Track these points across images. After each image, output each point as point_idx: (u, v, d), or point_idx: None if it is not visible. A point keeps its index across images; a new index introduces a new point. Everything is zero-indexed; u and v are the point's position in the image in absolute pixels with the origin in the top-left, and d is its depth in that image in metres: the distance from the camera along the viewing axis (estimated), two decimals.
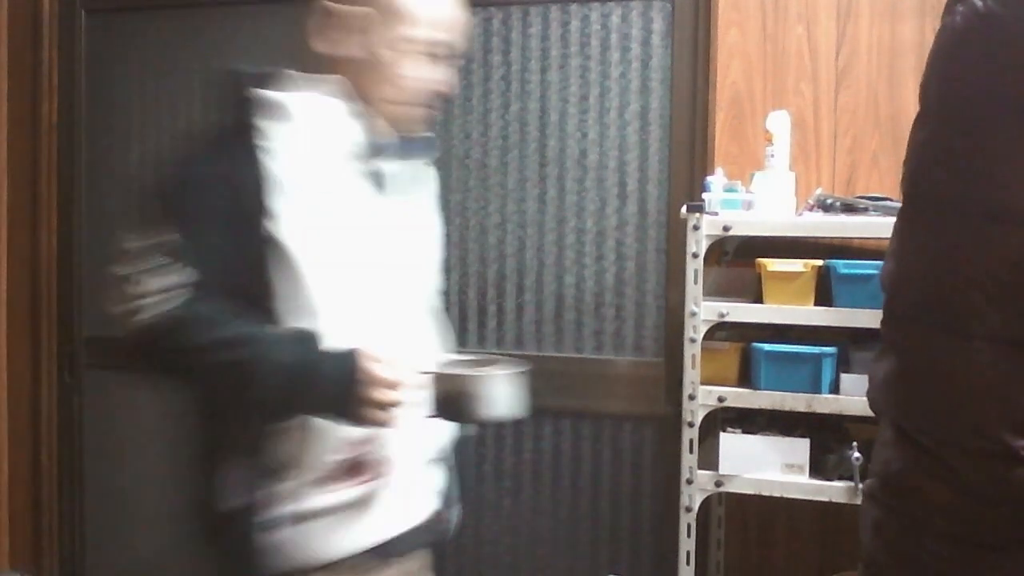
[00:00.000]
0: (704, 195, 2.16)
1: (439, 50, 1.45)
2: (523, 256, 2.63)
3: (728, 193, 2.16)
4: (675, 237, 2.48)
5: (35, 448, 2.93)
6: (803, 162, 2.36)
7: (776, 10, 2.39)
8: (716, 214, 2.09)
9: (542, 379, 2.59)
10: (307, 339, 1.33)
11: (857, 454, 1.97)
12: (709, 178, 2.23)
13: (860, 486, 2.04)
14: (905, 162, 0.86)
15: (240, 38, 2.81)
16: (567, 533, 2.62)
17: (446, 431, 1.57)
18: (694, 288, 2.06)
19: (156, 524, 2.92)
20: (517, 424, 2.63)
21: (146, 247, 1.35)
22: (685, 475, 2.10)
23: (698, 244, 2.06)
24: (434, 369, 1.40)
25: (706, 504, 2.24)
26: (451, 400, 1.37)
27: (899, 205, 0.87)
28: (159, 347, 1.36)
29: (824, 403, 2.01)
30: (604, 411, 2.57)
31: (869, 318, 1.95)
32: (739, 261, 2.31)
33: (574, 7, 2.57)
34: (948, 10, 0.82)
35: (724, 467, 2.08)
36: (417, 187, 1.57)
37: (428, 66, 1.44)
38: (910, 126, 0.85)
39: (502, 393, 1.38)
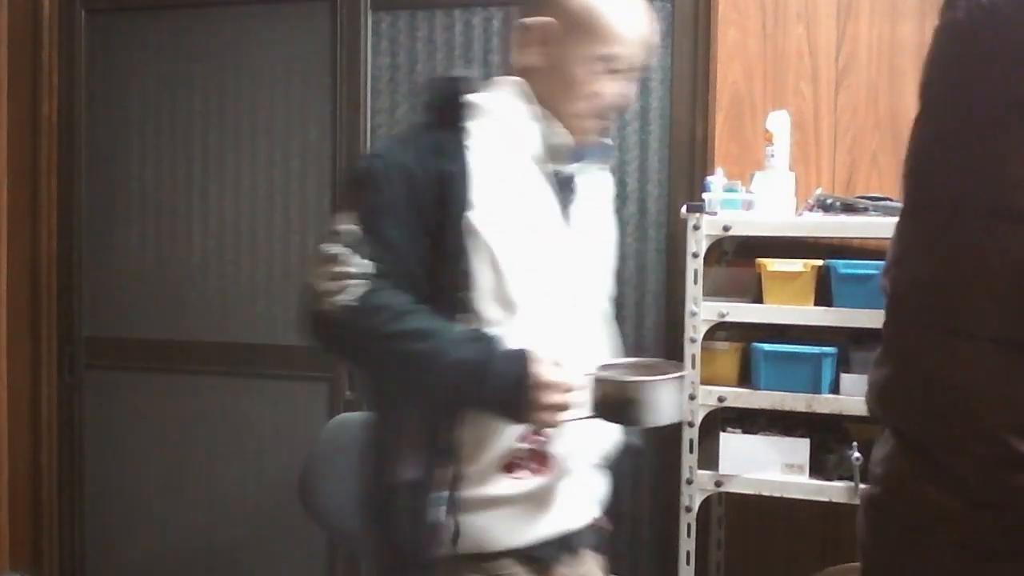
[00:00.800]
0: (704, 195, 2.16)
1: (626, 66, 1.47)
2: None
3: (728, 193, 2.16)
4: (675, 237, 2.48)
5: (35, 448, 2.93)
6: (803, 162, 2.36)
7: (776, 10, 2.39)
8: (716, 214, 2.09)
9: None
10: (482, 339, 1.38)
11: (857, 454, 1.97)
12: (709, 178, 2.23)
13: (860, 487, 2.04)
14: (906, 161, 0.85)
15: (240, 38, 2.81)
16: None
17: (612, 437, 1.56)
18: (694, 288, 2.06)
19: (156, 524, 2.92)
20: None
21: (351, 233, 1.40)
22: (685, 475, 2.10)
23: (698, 244, 2.06)
24: (601, 373, 1.40)
25: (706, 504, 2.24)
26: (617, 405, 1.36)
27: (899, 205, 0.86)
28: (348, 330, 1.38)
29: (824, 403, 2.01)
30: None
31: (869, 318, 1.95)
32: (739, 261, 2.31)
33: None
34: (949, 5, 0.81)
35: (724, 467, 2.08)
36: (594, 192, 1.59)
37: (615, 81, 1.47)
38: (910, 126, 0.85)
39: (666, 399, 1.36)
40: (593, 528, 1.58)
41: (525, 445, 1.43)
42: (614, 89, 1.48)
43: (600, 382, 1.37)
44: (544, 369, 1.35)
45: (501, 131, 1.46)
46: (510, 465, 1.43)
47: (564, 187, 1.52)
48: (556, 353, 1.38)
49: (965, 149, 0.78)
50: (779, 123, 2.20)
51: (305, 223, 2.77)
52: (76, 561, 2.99)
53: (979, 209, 0.76)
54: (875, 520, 0.85)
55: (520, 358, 1.36)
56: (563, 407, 1.36)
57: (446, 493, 1.40)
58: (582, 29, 1.45)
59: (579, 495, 1.52)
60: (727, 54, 2.41)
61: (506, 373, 1.35)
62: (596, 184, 1.60)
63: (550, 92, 1.48)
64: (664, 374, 1.39)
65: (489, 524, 1.43)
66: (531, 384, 1.34)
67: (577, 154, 1.52)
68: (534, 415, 1.36)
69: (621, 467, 1.63)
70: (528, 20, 1.50)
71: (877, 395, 0.87)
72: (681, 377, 1.41)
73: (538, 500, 1.45)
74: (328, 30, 2.73)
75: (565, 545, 1.50)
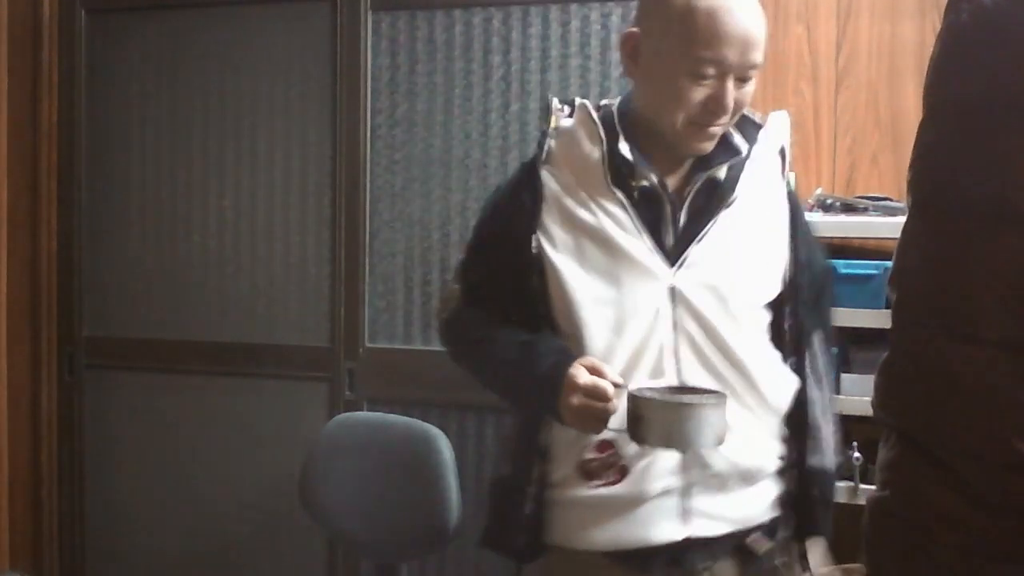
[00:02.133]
0: None
1: (724, 68, 1.41)
2: None
3: None
4: None
5: (35, 448, 2.93)
6: (803, 162, 2.36)
7: (776, 10, 2.38)
8: None
9: None
10: (532, 342, 1.46)
11: (857, 454, 1.97)
12: None
13: (860, 488, 2.04)
14: (912, 164, 0.85)
15: (240, 38, 2.81)
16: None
17: (753, 455, 1.48)
18: None
19: (156, 524, 2.92)
20: None
21: (458, 262, 1.68)
22: None
23: None
24: (634, 389, 1.37)
25: None
26: (636, 422, 1.34)
27: (899, 205, 0.86)
28: (446, 341, 1.67)
29: None
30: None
31: (869, 318, 1.95)
32: None
33: (574, 7, 2.57)
34: (953, 8, 0.80)
35: None
36: (731, 196, 1.50)
37: (713, 85, 1.41)
38: (910, 126, 0.84)
39: (709, 423, 1.33)
40: (727, 546, 1.49)
41: (597, 454, 1.44)
42: (713, 93, 1.41)
43: (632, 398, 1.35)
44: (579, 373, 1.36)
45: (568, 157, 1.50)
46: (589, 472, 1.45)
47: (656, 204, 1.47)
48: (600, 361, 1.39)
49: (969, 152, 0.78)
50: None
51: (305, 223, 2.77)
52: (76, 561, 2.99)
53: (984, 212, 0.76)
54: (881, 524, 0.85)
55: (559, 360, 1.39)
56: (597, 414, 1.36)
57: (534, 491, 1.49)
58: (669, 33, 1.41)
59: (676, 509, 1.45)
60: None
61: (542, 374, 1.40)
62: (735, 186, 1.50)
63: (650, 103, 1.47)
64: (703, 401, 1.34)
65: (572, 525, 1.48)
66: (563, 384, 1.36)
67: (698, 163, 1.48)
68: (568, 416, 1.37)
69: (807, 489, 1.54)
70: (624, 32, 1.50)
71: (883, 399, 0.86)
72: (716, 405, 1.34)
73: (617, 509, 1.44)
74: (328, 30, 2.73)
75: (670, 558, 1.46)
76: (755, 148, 1.52)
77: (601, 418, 1.36)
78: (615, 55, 2.55)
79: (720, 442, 1.34)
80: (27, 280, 2.91)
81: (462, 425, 2.66)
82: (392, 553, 2.28)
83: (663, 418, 1.32)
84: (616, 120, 1.50)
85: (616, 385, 1.36)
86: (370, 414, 2.57)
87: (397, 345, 2.72)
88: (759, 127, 1.55)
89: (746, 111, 1.51)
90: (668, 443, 1.34)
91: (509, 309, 1.53)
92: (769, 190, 1.54)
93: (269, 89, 2.79)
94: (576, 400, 1.35)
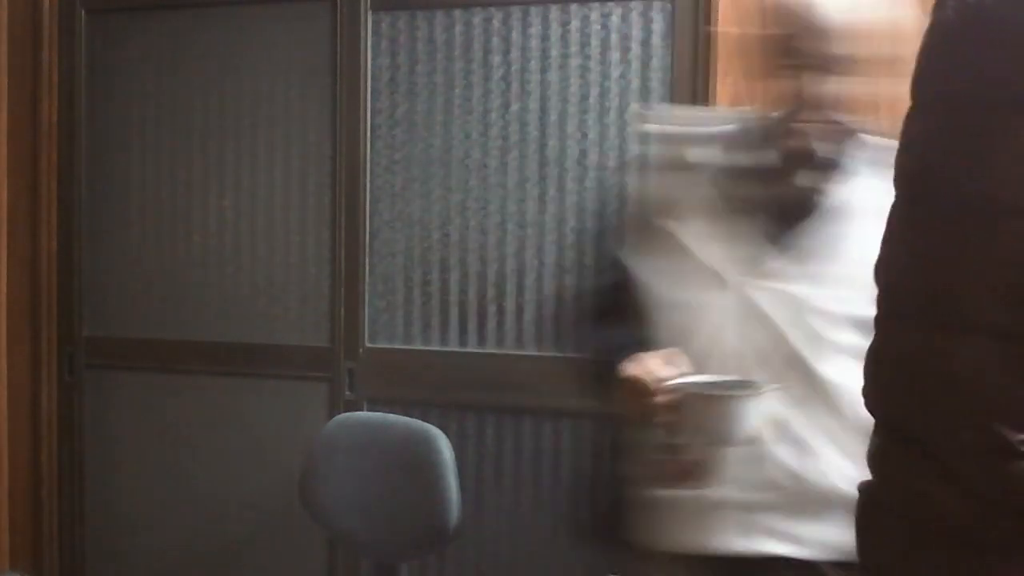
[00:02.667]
0: None
1: (821, 59, 1.34)
2: (523, 256, 2.63)
3: None
4: None
5: (35, 448, 2.93)
6: None
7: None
8: None
9: (542, 379, 2.60)
10: (610, 340, 1.51)
11: None
12: None
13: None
14: (897, 156, 0.85)
15: (240, 38, 2.81)
16: (567, 533, 2.62)
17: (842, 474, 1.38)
18: None
19: (156, 524, 2.92)
20: (517, 424, 2.64)
21: None
22: None
23: None
24: (681, 381, 1.34)
25: None
26: (689, 415, 1.32)
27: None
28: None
29: None
30: (604, 411, 2.56)
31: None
32: None
33: (574, 7, 2.57)
34: (939, 4, 0.81)
35: None
36: (846, 204, 1.42)
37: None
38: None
39: (736, 416, 1.30)
40: (795, 570, 1.43)
41: (666, 455, 1.43)
42: (811, 86, 1.33)
43: (676, 389, 1.33)
44: (633, 366, 1.36)
45: (661, 173, 1.52)
46: (658, 472, 1.45)
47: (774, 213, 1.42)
48: (653, 358, 1.37)
49: (956, 145, 0.79)
50: None
51: (305, 223, 2.77)
52: (76, 561, 2.99)
53: (969, 204, 0.76)
54: (871, 513, 0.85)
55: (620, 356, 1.41)
56: (645, 406, 1.35)
57: (620, 487, 1.54)
58: (811, 33, 1.34)
59: (738, 521, 1.43)
60: (727, 54, 2.41)
61: (609, 363, 1.43)
62: (830, 196, 1.42)
63: (760, 105, 1.44)
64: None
65: (646, 524, 1.49)
66: (619, 376, 1.38)
67: (822, 165, 1.41)
68: (624, 408, 1.40)
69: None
70: (758, 33, 1.47)
71: (870, 389, 0.87)
72: (743, 399, 1.30)
73: (683, 511, 1.43)
74: (328, 30, 2.73)
75: (732, 571, 1.44)
76: (852, 157, 1.44)
77: (644, 410, 1.35)
78: (615, 55, 2.55)
79: (749, 439, 1.31)
80: (27, 280, 2.91)
81: (462, 425, 2.66)
82: (392, 553, 2.28)
83: (692, 408, 1.31)
84: None
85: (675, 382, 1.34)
86: (370, 414, 2.57)
87: (397, 345, 2.72)
88: (859, 135, 1.45)
89: (850, 117, 1.41)
90: (697, 434, 1.33)
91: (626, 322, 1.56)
92: (869, 203, 1.45)
93: (269, 89, 2.79)
94: (629, 391, 1.36)
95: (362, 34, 2.69)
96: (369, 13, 2.69)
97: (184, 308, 2.88)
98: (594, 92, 2.57)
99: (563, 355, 2.60)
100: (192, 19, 2.85)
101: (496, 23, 2.63)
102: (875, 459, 0.86)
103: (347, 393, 2.73)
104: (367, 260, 2.72)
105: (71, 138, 2.93)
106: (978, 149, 0.77)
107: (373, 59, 2.70)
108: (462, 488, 2.19)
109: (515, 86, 2.62)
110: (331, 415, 2.63)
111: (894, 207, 0.85)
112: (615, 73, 2.55)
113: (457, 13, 2.65)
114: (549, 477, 2.62)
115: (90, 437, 2.97)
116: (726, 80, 2.42)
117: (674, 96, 2.51)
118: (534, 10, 2.60)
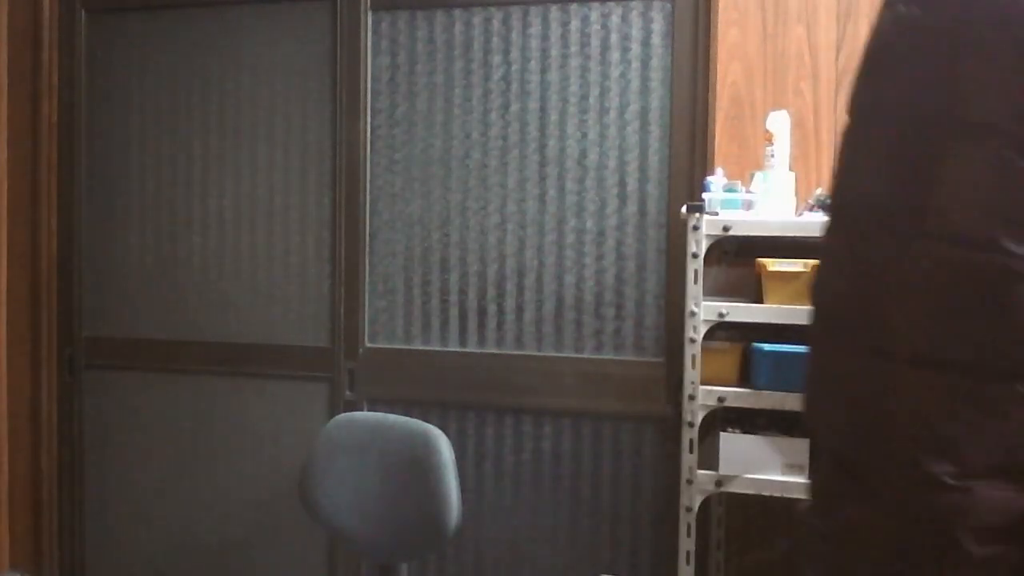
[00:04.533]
0: (704, 195, 2.16)
1: None
2: (523, 256, 2.63)
3: (728, 193, 2.16)
4: (675, 237, 2.48)
5: (35, 448, 2.93)
6: (803, 162, 2.36)
7: (776, 10, 2.39)
8: (716, 214, 2.09)
9: (542, 379, 2.60)
10: None
11: None
12: (709, 178, 2.23)
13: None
14: (832, 175, 0.84)
15: (240, 38, 2.81)
16: (567, 533, 2.62)
17: None
18: (694, 288, 2.06)
19: (156, 524, 2.92)
20: (517, 423, 2.64)
21: None
22: (685, 475, 2.10)
23: (698, 244, 2.06)
24: None
25: (706, 504, 2.24)
26: None
27: None
28: None
29: None
30: (604, 411, 2.57)
31: None
32: (739, 261, 2.31)
33: (574, 7, 2.57)
34: (878, 16, 0.79)
35: (724, 467, 2.08)
36: None
37: None
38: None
39: None
40: None
41: None
42: None
43: None
44: None
45: None
46: None
47: None
48: None
49: (884, 164, 0.77)
50: (779, 123, 2.21)
51: (305, 223, 2.78)
52: (76, 561, 2.99)
53: (896, 226, 0.75)
54: (805, 536, 0.85)
55: None
56: None
57: None
58: None
59: None
60: (727, 54, 2.41)
61: None
62: None
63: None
64: None
65: None
66: None
67: None
68: None
69: None
70: None
71: (806, 411, 0.86)
72: None
73: None
74: (328, 30, 2.73)
75: None
76: None
77: None
78: (615, 55, 2.55)
79: None
80: (27, 280, 2.91)
81: (462, 425, 2.66)
82: (392, 553, 2.28)
83: None
84: None
85: None
86: (370, 414, 2.57)
87: (397, 345, 2.72)
88: None
89: None
90: None
91: None
92: None
93: (269, 89, 2.79)
94: None
95: (362, 34, 2.70)
96: (369, 13, 2.70)
97: (184, 308, 2.88)
98: (594, 92, 2.57)
99: (563, 355, 2.60)
100: (192, 19, 2.86)
101: (496, 23, 2.63)
102: (810, 479, 0.85)
103: (347, 393, 2.74)
104: (367, 260, 2.72)
105: (71, 138, 2.93)
106: (907, 168, 0.75)
107: (373, 59, 2.71)
108: (462, 488, 2.19)
109: (515, 86, 2.62)
110: (331, 415, 2.63)
111: (825, 227, 0.84)
112: (615, 73, 2.55)
113: (457, 13, 2.65)
114: (549, 477, 2.63)
115: (90, 437, 2.97)
116: (726, 80, 2.42)
117: (674, 95, 2.51)
118: (534, 10, 2.60)
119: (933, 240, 0.73)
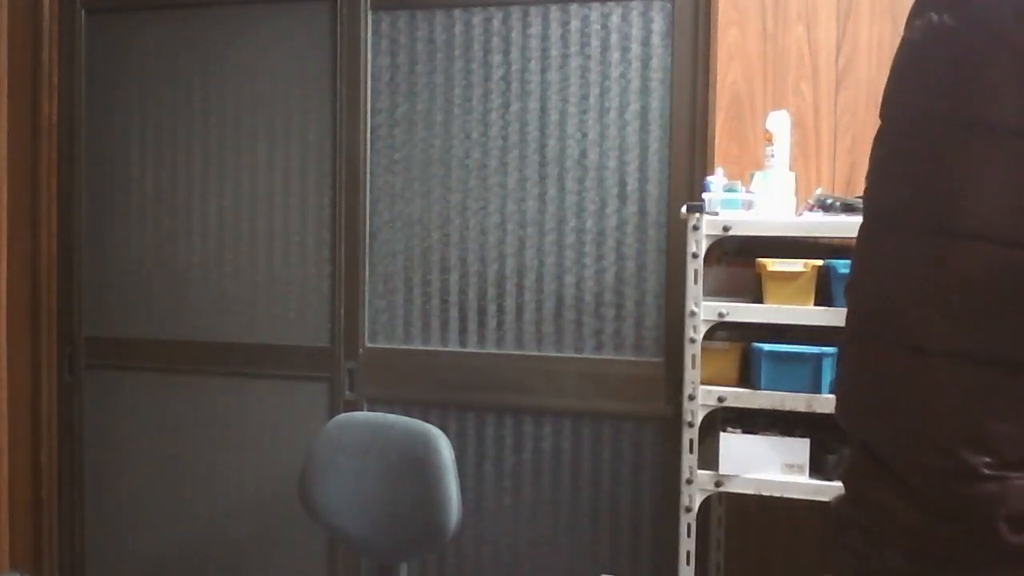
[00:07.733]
0: (704, 195, 2.16)
1: None
2: (523, 256, 2.63)
3: (728, 193, 2.16)
4: (675, 237, 2.48)
5: (35, 448, 2.93)
6: (803, 162, 2.36)
7: (776, 10, 2.39)
8: (716, 214, 2.09)
9: (542, 379, 2.60)
10: None
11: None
12: (709, 178, 2.23)
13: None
14: (867, 178, 0.86)
15: (240, 38, 2.81)
16: (567, 533, 2.62)
17: None
18: (694, 288, 2.06)
19: (156, 524, 2.92)
20: (517, 423, 2.64)
21: None
22: (685, 475, 2.10)
23: (698, 244, 2.06)
24: None
25: (706, 504, 2.24)
26: None
27: None
28: None
29: (824, 403, 2.01)
30: (604, 411, 2.57)
31: None
32: (739, 261, 2.31)
33: (574, 7, 2.57)
34: (908, 25, 0.81)
35: (724, 467, 2.08)
36: None
37: None
38: None
39: None
40: None
41: None
42: None
43: None
44: None
45: None
46: None
47: None
48: None
49: (919, 167, 0.79)
50: (779, 123, 2.21)
51: (305, 223, 2.78)
52: (76, 561, 2.99)
53: (931, 225, 0.77)
54: (839, 527, 0.86)
55: None
56: None
57: None
58: None
59: None
60: (727, 54, 2.41)
61: None
62: None
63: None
64: None
65: None
66: None
67: None
68: None
69: None
70: None
71: (840, 406, 0.88)
72: None
73: None
74: (328, 30, 2.73)
75: None
76: None
77: None
78: (615, 55, 2.55)
79: None
80: (27, 280, 2.91)
81: (462, 425, 2.66)
82: (392, 553, 2.28)
83: None
84: None
85: None
86: (370, 414, 2.57)
87: (397, 345, 2.72)
88: None
89: None
90: None
91: None
92: None
93: (269, 89, 2.79)
94: None
95: (362, 34, 2.70)
96: (369, 13, 2.70)
97: (184, 308, 2.88)
98: (594, 92, 2.57)
99: (563, 355, 2.60)
100: (192, 19, 2.86)
101: (496, 23, 2.63)
102: (846, 473, 0.87)
103: (347, 393, 2.74)
104: (367, 260, 2.72)
105: (71, 138, 2.93)
106: (938, 172, 0.77)
107: (373, 59, 2.70)
108: (462, 488, 2.19)
109: (515, 86, 2.62)
110: (331, 415, 2.63)
111: (861, 227, 0.86)
112: (615, 73, 2.55)
113: (457, 13, 2.65)
114: (549, 477, 2.63)
115: (90, 437, 2.97)
116: (726, 80, 2.42)
117: (674, 95, 2.51)
118: (534, 10, 2.60)
119: (970, 240, 0.75)
